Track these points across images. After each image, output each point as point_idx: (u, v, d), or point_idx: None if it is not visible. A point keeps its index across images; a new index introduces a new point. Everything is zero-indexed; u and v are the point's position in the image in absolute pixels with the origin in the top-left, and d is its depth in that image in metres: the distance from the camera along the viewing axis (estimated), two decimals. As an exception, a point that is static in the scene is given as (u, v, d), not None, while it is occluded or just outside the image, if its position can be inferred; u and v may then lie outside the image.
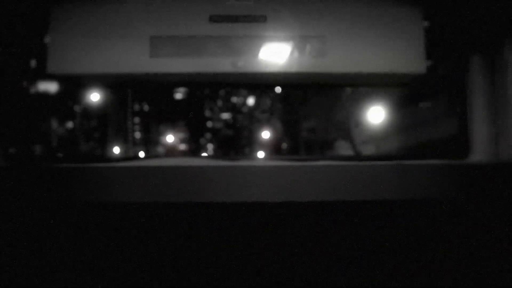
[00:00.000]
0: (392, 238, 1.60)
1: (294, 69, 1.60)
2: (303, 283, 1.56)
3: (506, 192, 1.37)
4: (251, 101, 5.82)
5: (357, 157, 2.30)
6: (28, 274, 1.52)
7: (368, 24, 1.63)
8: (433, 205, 1.59)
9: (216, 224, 1.56)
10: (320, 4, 1.61)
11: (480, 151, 1.67)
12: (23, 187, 1.50)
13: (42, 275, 1.53)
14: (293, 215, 1.55)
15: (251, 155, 4.97)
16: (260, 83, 1.92)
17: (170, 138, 5.71)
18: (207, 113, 6.48)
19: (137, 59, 1.56)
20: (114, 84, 2.07)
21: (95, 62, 1.56)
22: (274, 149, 4.84)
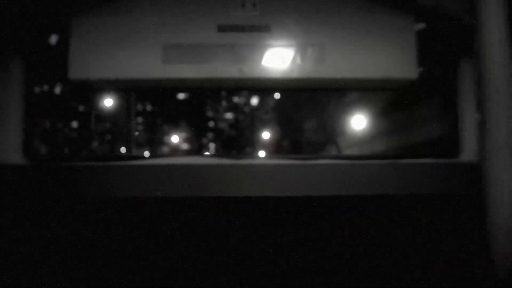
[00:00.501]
0: (387, 231, 1.71)
1: (295, 74, 1.71)
2: (303, 270, 1.67)
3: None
4: (254, 101, 5.89)
5: (354, 156, 2.40)
6: (47, 266, 1.63)
7: (363, 33, 1.74)
8: (426, 200, 1.69)
9: (219, 217, 1.67)
10: (319, 15, 1.71)
11: (470, 151, 1.76)
12: (41, 184, 1.61)
13: (59, 266, 1.64)
14: (293, 209, 1.66)
15: (253, 154, 5.05)
16: (264, 87, 2.03)
17: (175, 139, 5.79)
18: (210, 113, 6.54)
19: (150, 65, 1.67)
20: (128, 88, 2.18)
21: (113, 68, 1.66)
22: (275, 148, 4.92)
